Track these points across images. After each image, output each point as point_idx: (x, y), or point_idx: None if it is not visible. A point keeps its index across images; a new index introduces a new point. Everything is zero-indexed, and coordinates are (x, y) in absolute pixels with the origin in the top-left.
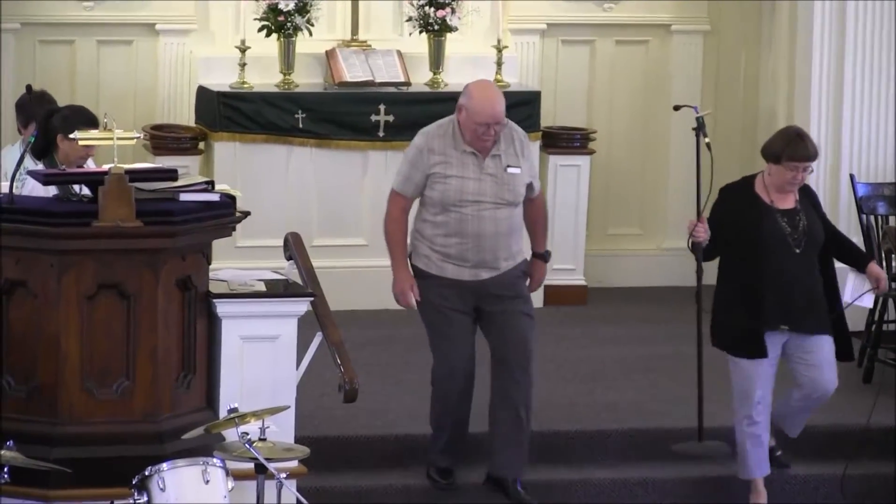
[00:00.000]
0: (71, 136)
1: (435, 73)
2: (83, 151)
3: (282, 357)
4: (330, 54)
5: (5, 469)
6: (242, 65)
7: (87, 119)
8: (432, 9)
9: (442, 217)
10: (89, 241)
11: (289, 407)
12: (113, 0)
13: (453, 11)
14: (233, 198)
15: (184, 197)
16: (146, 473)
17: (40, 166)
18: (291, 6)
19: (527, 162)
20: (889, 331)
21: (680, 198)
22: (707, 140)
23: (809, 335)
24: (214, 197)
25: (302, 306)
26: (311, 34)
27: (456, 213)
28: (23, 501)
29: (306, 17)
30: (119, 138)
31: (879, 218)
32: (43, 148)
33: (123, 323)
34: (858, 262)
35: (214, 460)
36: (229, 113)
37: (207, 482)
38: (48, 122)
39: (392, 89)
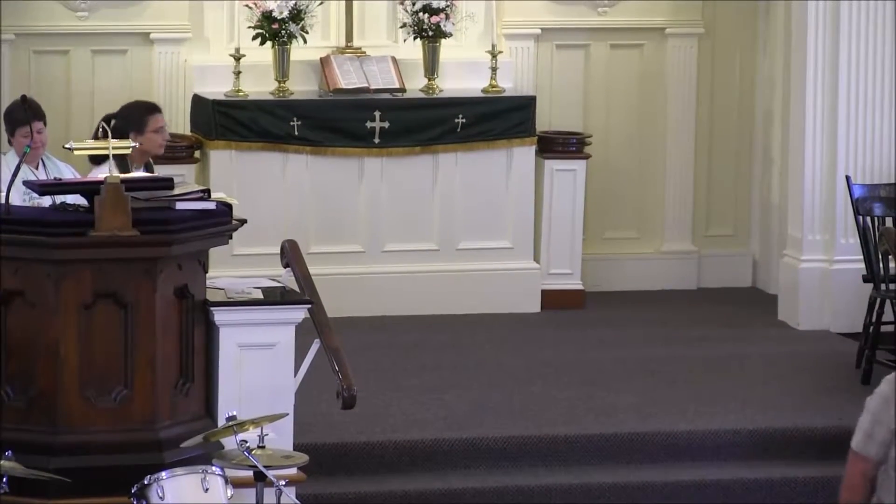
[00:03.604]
0: (66, 146)
1: (430, 79)
2: (160, 140)
3: (280, 364)
4: (324, 61)
5: (4, 479)
6: (237, 73)
7: (149, 108)
8: (426, 15)
9: None
10: (86, 250)
11: (287, 414)
12: (107, 9)
13: (447, 17)
14: (229, 206)
15: (180, 205)
16: (145, 482)
17: (69, 169)
18: (285, 14)
19: None
20: (887, 332)
21: (676, 201)
22: None
23: None
24: (211, 205)
25: (299, 313)
26: (305, 41)
27: None
28: None
29: (300, 25)
30: (114, 147)
31: (876, 219)
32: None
33: (121, 331)
34: None
35: (213, 468)
36: (225, 121)
37: (206, 490)
38: (110, 128)
39: (387, 96)
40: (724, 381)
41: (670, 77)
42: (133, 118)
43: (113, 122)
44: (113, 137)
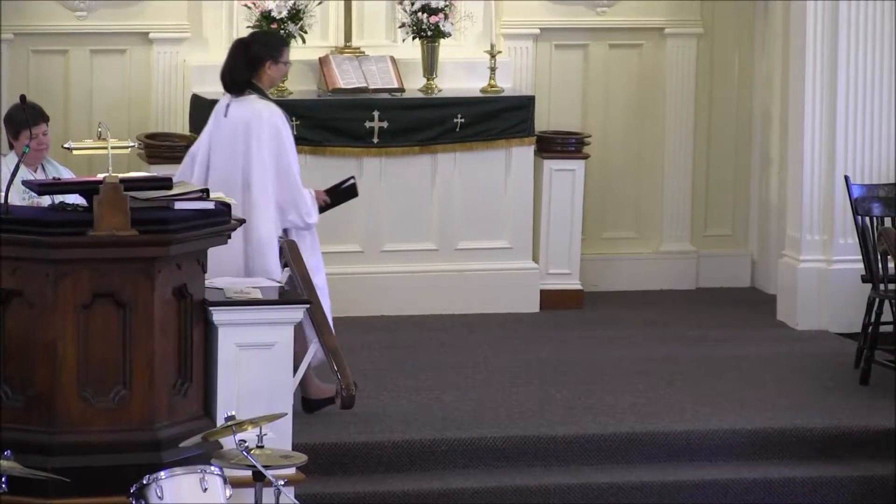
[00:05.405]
0: (65, 145)
1: (429, 79)
2: (286, 70)
3: (278, 364)
4: (323, 61)
5: (3, 479)
6: None
7: (282, 38)
8: (425, 15)
9: None
10: (85, 250)
11: (286, 414)
12: (106, 9)
13: (446, 17)
14: (228, 206)
15: (179, 205)
16: (144, 482)
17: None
18: (284, 13)
19: None
20: (885, 332)
21: (675, 201)
22: None
23: None
24: (209, 205)
25: (298, 313)
26: (304, 41)
27: None
28: None
29: (299, 25)
30: (113, 147)
31: (874, 219)
32: (241, 83)
33: (120, 331)
34: None
35: (212, 468)
36: None
37: (205, 490)
38: (246, 55)
39: (386, 95)
40: (722, 381)
41: (669, 77)
42: (273, 45)
43: (249, 47)
44: (248, 61)
